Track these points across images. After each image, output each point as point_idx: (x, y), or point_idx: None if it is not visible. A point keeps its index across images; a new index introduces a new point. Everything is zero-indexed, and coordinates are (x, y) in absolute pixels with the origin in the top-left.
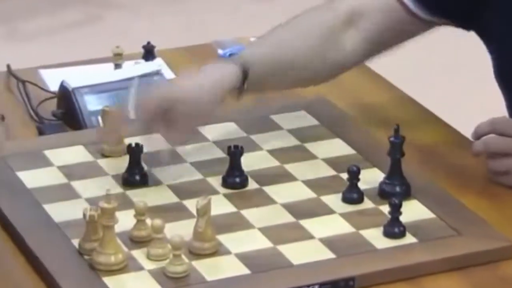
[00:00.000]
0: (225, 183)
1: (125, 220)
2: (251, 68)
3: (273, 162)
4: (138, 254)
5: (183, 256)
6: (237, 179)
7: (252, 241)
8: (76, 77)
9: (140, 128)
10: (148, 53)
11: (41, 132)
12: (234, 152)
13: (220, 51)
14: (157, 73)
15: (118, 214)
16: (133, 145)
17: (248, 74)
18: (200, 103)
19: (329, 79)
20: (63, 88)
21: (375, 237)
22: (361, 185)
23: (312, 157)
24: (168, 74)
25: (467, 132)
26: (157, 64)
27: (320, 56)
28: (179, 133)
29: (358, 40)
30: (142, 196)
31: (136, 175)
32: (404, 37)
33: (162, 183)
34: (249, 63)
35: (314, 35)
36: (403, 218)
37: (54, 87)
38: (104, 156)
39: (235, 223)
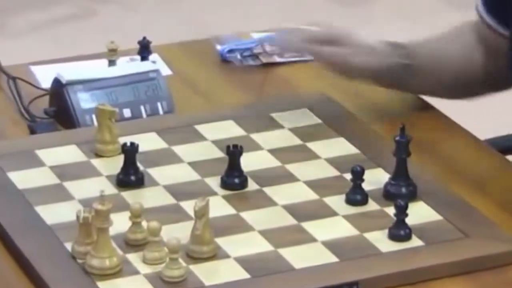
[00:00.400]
0: (224, 184)
1: (120, 222)
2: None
3: (274, 162)
4: (134, 258)
5: (180, 260)
6: (237, 180)
7: (252, 244)
8: (69, 74)
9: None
10: (144, 49)
11: (32, 131)
12: (233, 152)
13: (218, 47)
14: (154, 71)
15: (113, 216)
16: (128, 144)
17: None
18: (359, 60)
19: (479, 94)
20: (55, 85)
21: (380, 240)
22: (365, 186)
23: (315, 157)
24: (164, 70)
25: (477, 131)
26: (153, 62)
27: (470, 64)
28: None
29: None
30: (137, 198)
31: (131, 176)
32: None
33: (159, 184)
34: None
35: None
36: (409, 220)
37: (46, 84)
38: (97, 155)
39: (234, 226)
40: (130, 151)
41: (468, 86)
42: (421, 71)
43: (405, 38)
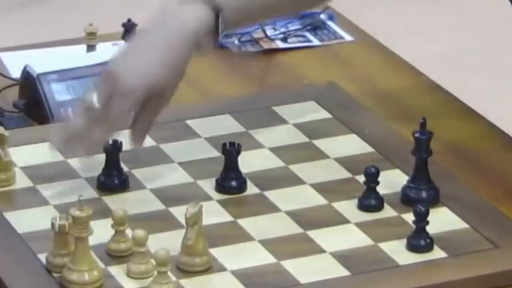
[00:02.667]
0: (220, 187)
1: (101, 231)
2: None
3: (277, 162)
4: (117, 271)
5: (169, 274)
6: (234, 183)
7: (251, 255)
8: (42, 62)
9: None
10: (129, 33)
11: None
12: (230, 151)
13: None
14: None
15: (93, 223)
16: (110, 141)
17: (222, 11)
18: (171, 86)
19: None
20: (26, 74)
21: (397, 251)
22: (381, 190)
23: (323, 156)
24: None
25: (507, 126)
26: None
27: None
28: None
29: None
30: (121, 203)
31: (114, 178)
32: None
33: (145, 187)
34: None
35: None
36: (430, 229)
37: (16, 73)
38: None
39: (231, 235)
40: (112, 150)
41: None
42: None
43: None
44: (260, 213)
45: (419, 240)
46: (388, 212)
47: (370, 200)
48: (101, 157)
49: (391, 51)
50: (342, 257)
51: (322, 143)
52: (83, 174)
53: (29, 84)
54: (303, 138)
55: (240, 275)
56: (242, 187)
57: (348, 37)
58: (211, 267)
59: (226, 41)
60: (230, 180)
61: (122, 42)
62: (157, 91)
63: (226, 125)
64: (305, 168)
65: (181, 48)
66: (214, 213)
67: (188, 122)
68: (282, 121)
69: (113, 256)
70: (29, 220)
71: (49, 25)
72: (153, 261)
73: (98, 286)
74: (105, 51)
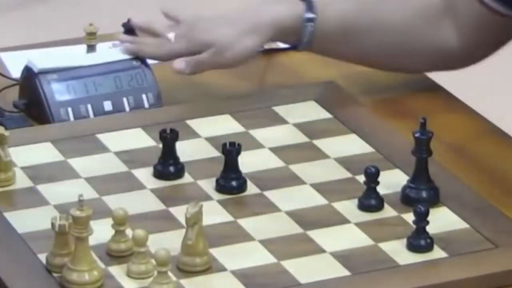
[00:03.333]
0: (220, 187)
1: (101, 231)
2: (326, 16)
3: (277, 162)
4: (117, 271)
5: (169, 274)
6: (234, 183)
7: (251, 256)
8: (41, 61)
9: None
10: (128, 33)
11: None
12: (230, 151)
13: None
14: (137, 57)
15: (93, 223)
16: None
17: (314, 21)
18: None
19: (419, 67)
20: (26, 74)
21: (398, 251)
22: (381, 190)
23: (323, 156)
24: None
25: (507, 127)
26: None
27: (416, 32)
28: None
29: (457, 30)
30: (121, 203)
31: (170, 167)
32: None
33: (145, 187)
34: (322, 10)
35: (413, 6)
36: (430, 229)
37: (16, 73)
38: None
39: (232, 235)
40: (169, 139)
41: (420, 58)
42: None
43: None
44: (260, 213)
45: (419, 240)
46: (388, 212)
47: (370, 200)
48: (101, 157)
49: None
50: (342, 257)
51: (322, 143)
52: (83, 174)
53: (29, 84)
54: (303, 138)
55: (240, 275)
56: (242, 187)
57: None
58: (211, 267)
59: None
60: (230, 180)
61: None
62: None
63: (226, 125)
64: (305, 168)
65: (263, 29)
66: (214, 213)
67: (188, 122)
68: (282, 121)
69: (113, 256)
70: (29, 220)
71: (49, 25)
72: (153, 261)
73: (98, 286)
74: (105, 51)
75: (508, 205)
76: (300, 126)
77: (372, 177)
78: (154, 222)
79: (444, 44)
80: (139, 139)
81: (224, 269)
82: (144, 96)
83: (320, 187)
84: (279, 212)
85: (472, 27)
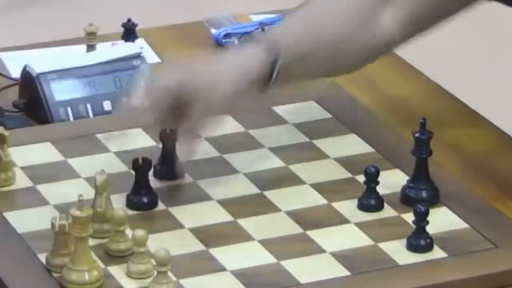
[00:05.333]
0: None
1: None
2: (283, 53)
3: (277, 162)
4: (116, 271)
5: (169, 274)
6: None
7: (251, 255)
8: (41, 61)
9: (150, 120)
10: (128, 33)
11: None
12: (140, 167)
13: (213, 31)
14: (137, 56)
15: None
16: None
17: (278, 61)
18: (222, 93)
19: (362, 65)
20: (26, 74)
21: (397, 250)
22: (381, 190)
23: (323, 156)
24: (151, 57)
25: (507, 126)
26: (138, 45)
27: (355, 36)
28: (191, 128)
29: (397, 19)
30: (121, 203)
31: (169, 167)
32: (444, 14)
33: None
34: (281, 48)
35: (350, 12)
36: (430, 229)
37: (15, 73)
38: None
39: (231, 235)
40: (168, 141)
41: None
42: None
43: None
44: (260, 213)
45: (419, 240)
46: (388, 212)
47: (370, 200)
48: (101, 156)
49: (393, 53)
50: (342, 257)
51: (322, 143)
52: (83, 174)
53: (29, 84)
54: (303, 138)
55: (240, 275)
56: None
57: None
58: (211, 267)
59: (225, 41)
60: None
61: (122, 42)
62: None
63: (226, 125)
64: (305, 168)
65: (233, 79)
66: (214, 213)
67: None
68: (282, 121)
69: (113, 256)
70: (29, 220)
71: (49, 25)
72: (153, 261)
73: (98, 286)
74: (105, 51)
75: (508, 205)
76: (300, 126)
77: (372, 177)
78: (154, 222)
79: (385, 35)
80: (139, 139)
81: (223, 269)
82: None
83: (320, 187)
84: (279, 212)
85: (422, 5)
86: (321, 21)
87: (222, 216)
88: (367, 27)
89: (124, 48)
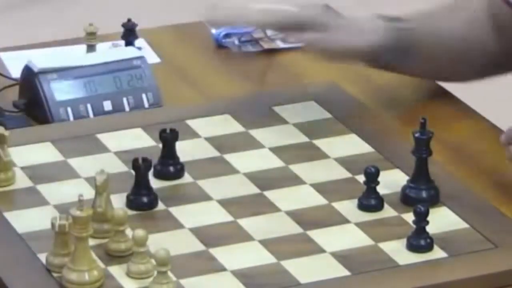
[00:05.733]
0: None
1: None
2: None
3: (276, 162)
4: (117, 271)
5: (169, 274)
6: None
7: (251, 255)
8: (41, 61)
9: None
10: (128, 33)
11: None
12: (140, 167)
13: (213, 31)
14: (138, 58)
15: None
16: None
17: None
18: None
19: (474, 79)
20: (26, 74)
21: (397, 251)
22: (381, 190)
23: (323, 156)
24: (152, 57)
25: (507, 127)
26: (138, 48)
27: (479, 49)
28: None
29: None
30: (121, 203)
31: (169, 167)
32: None
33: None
34: (415, 32)
35: (477, 25)
36: (430, 229)
37: (16, 73)
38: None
39: (231, 235)
40: (169, 140)
41: (476, 66)
42: (422, 49)
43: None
44: (260, 213)
45: (419, 240)
46: (388, 212)
47: (370, 200)
48: (102, 156)
49: None
50: (342, 257)
51: (322, 143)
52: (83, 174)
53: (29, 84)
54: (303, 138)
55: (240, 275)
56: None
57: None
58: (212, 267)
59: (226, 40)
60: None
61: (122, 42)
62: None
63: (226, 125)
64: (305, 168)
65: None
66: (214, 213)
67: (188, 122)
68: (282, 121)
69: (113, 256)
70: (29, 220)
71: (49, 25)
72: (153, 261)
73: (98, 286)
74: (105, 51)
75: (508, 205)
76: (300, 126)
77: (372, 177)
78: (154, 222)
79: (490, 50)
80: (139, 139)
81: (224, 269)
82: (144, 96)
83: (320, 187)
84: (279, 212)
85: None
86: (447, 29)
87: (222, 216)
88: (482, 33)
89: (124, 51)
